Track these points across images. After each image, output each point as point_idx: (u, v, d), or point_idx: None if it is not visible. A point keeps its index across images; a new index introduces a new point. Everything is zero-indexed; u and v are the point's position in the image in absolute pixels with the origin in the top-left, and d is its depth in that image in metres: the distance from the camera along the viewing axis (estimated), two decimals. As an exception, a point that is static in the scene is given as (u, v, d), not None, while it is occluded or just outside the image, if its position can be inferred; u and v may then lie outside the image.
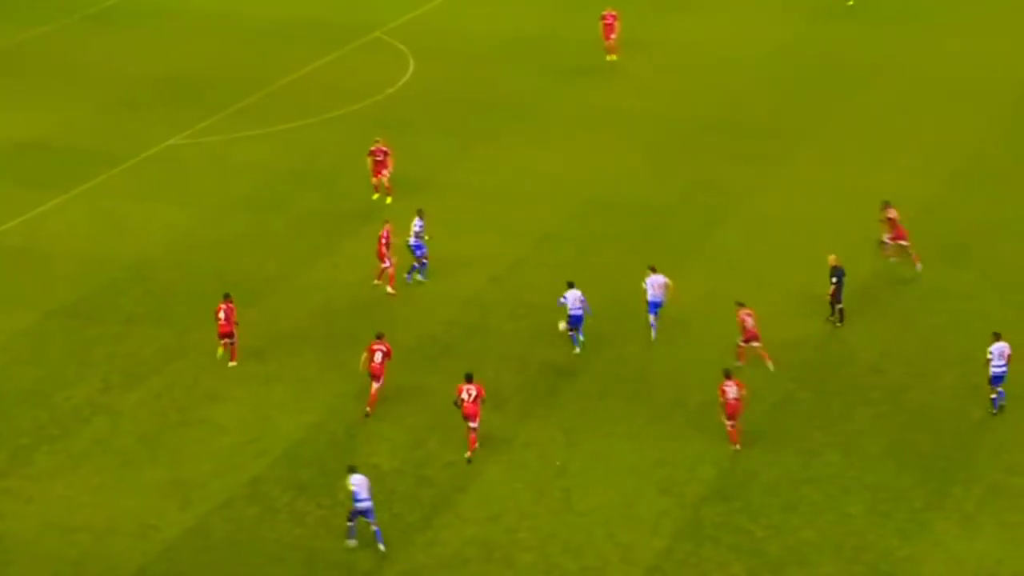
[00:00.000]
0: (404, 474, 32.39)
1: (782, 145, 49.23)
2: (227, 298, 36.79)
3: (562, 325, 37.12)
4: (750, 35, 59.60)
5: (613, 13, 55.89)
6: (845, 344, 37.10)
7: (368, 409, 34.50)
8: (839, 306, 37.85)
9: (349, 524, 30.25)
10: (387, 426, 34.10)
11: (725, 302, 37.89)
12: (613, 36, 55.77)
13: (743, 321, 35.79)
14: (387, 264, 39.70)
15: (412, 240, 40.08)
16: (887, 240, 40.54)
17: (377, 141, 45.32)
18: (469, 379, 33.11)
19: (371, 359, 34.38)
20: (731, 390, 32.90)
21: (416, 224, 40.17)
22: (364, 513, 30.06)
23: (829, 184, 46.12)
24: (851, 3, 63.00)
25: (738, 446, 32.97)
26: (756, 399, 34.62)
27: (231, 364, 36.66)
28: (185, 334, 38.02)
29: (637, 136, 50.17)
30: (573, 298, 36.90)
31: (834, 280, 37.46)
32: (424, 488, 31.92)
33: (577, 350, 37.12)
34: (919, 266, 40.40)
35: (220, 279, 40.41)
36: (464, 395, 32.85)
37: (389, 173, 44.87)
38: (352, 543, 30.13)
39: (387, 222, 40.28)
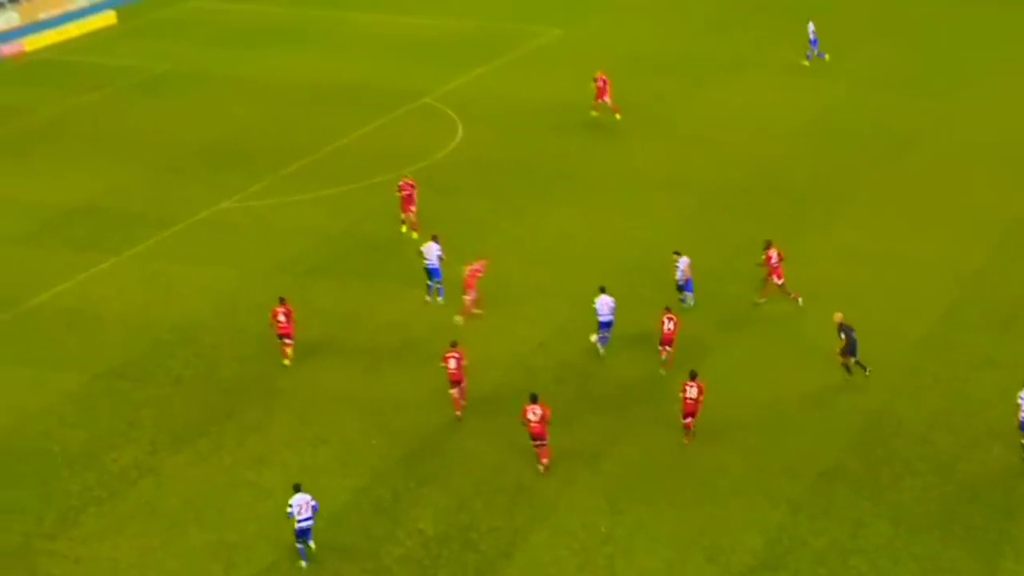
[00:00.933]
0: (449, 539, 32.33)
1: (824, 211, 49.18)
2: (283, 301, 39.87)
3: (593, 337, 39.07)
4: (790, 102, 59.77)
5: (604, 77, 57.05)
6: (894, 414, 36.86)
7: (457, 413, 36.82)
8: (855, 359, 37.99)
9: (299, 547, 31.57)
10: (432, 490, 34.09)
11: (771, 368, 37.80)
12: (605, 97, 56.87)
13: (662, 324, 38.60)
14: (473, 295, 41.69)
15: (431, 264, 42.52)
16: (767, 280, 42.02)
17: (404, 176, 47.40)
18: (534, 399, 34.79)
19: (447, 366, 36.78)
20: (691, 390, 35.22)
21: (435, 248, 42.56)
22: (304, 532, 31.64)
23: (872, 251, 46.00)
24: (805, 63, 64.05)
25: (687, 441, 35.40)
26: (805, 466, 34.44)
27: (286, 363, 39.43)
28: (231, 396, 38.22)
29: (679, 200, 50.29)
30: (602, 304, 39.02)
31: (842, 335, 37.95)
32: (469, 553, 31.85)
33: (601, 351, 39.08)
34: (800, 301, 41.83)
35: (265, 342, 40.65)
36: (530, 415, 34.55)
37: (416, 208, 46.82)
38: (304, 564, 31.54)
39: (483, 259, 42.50)
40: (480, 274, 41.88)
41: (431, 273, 42.67)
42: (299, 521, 31.50)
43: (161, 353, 40.51)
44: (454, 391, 36.95)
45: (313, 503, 31.66)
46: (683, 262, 42.12)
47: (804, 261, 44.44)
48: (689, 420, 35.35)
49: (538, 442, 34.57)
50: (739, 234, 47.36)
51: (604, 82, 56.94)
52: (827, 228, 47.78)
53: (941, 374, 38.66)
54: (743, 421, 36.23)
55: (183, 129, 57.79)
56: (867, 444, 35.52)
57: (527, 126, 57.44)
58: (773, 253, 42.21)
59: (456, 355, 36.98)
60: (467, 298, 41.62)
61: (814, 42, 63.94)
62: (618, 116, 57.00)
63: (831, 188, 51.09)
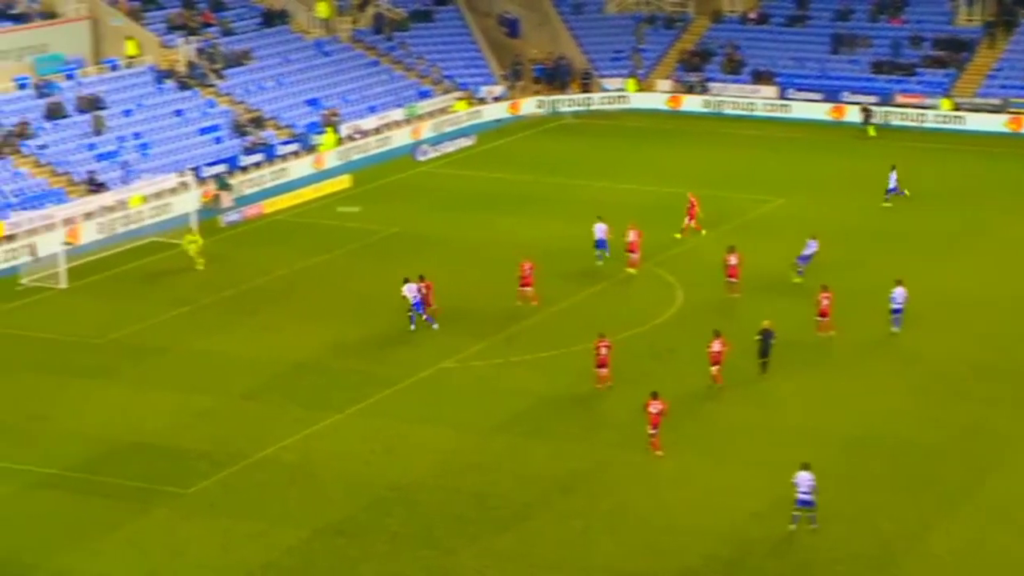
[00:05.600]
0: None
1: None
2: (422, 278, 53.68)
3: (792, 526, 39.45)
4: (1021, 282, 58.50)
5: (693, 199, 64.66)
6: None
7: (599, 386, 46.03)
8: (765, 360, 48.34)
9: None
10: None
11: (996, 554, 36.55)
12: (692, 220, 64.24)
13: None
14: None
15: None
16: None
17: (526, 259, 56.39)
18: (655, 396, 43.07)
19: (598, 352, 46.93)
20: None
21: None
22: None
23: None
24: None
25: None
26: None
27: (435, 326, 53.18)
28: (447, 556, 38.56)
29: (905, 373, 49.43)
30: (802, 480, 39.49)
31: (757, 338, 47.96)
32: None
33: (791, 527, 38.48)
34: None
35: (482, 502, 41.07)
36: (652, 409, 42.83)
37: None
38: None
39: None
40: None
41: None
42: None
43: (379, 511, 41.17)
44: (602, 371, 47.32)
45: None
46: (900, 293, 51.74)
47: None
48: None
49: (651, 430, 42.71)
50: (969, 414, 46.39)
51: (693, 204, 63.85)
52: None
53: None
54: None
55: (410, 290, 59.21)
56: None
57: (747, 291, 57.27)
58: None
59: (606, 344, 46.70)
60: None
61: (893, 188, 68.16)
62: (703, 232, 63.63)
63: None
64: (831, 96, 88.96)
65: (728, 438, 45.20)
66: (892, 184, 69.10)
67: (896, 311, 52.33)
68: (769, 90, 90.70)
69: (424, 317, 53.91)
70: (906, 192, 69.00)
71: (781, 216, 68.57)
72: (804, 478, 38.75)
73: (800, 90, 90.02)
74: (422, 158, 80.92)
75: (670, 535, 39.18)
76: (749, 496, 41.10)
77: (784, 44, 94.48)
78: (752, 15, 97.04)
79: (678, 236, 63.25)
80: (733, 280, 57.10)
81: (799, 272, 57.99)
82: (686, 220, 64.26)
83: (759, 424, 46.14)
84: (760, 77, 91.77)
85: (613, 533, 39.48)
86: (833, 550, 38.23)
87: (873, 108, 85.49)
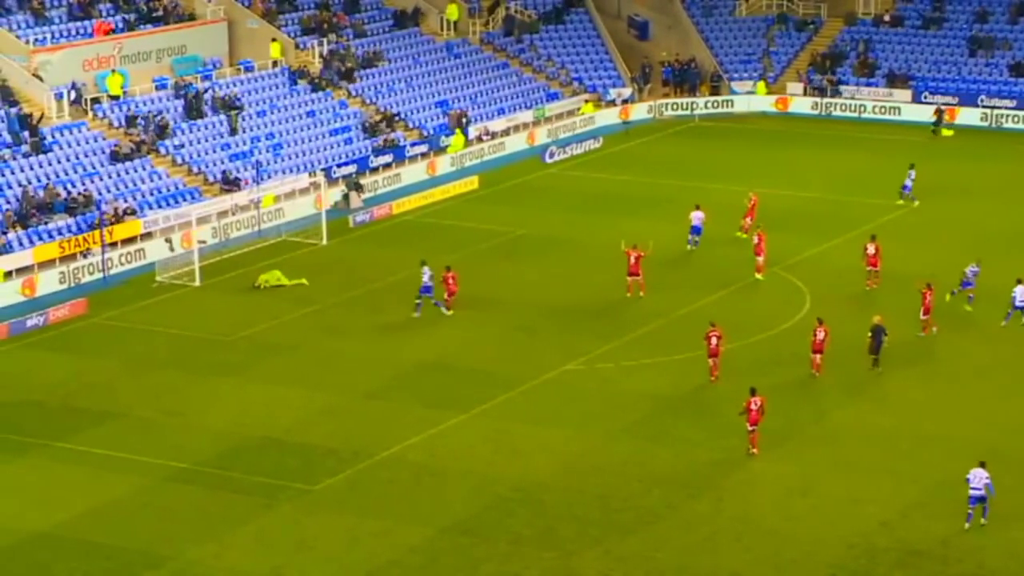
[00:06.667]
0: None
1: None
2: (448, 269, 55.42)
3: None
4: None
5: (755, 198, 65.08)
6: None
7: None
8: (876, 356, 48.43)
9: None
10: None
11: None
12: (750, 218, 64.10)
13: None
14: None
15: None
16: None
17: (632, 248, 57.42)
18: (753, 392, 43.08)
19: (708, 343, 48.21)
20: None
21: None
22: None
23: None
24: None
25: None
26: None
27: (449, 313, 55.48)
28: (568, 557, 38.63)
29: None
30: (975, 476, 39.07)
31: (870, 335, 48.20)
32: None
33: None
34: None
35: (606, 504, 41.04)
36: (752, 406, 42.77)
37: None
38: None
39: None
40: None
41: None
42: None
43: (502, 511, 41.35)
44: (712, 360, 48.16)
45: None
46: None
47: None
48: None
49: (751, 427, 42.85)
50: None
51: (754, 203, 64.38)
52: None
53: None
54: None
55: (536, 291, 59.40)
56: None
57: (876, 300, 56.53)
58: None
59: (717, 333, 47.97)
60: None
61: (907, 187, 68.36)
62: (741, 235, 63.34)
63: None
64: (967, 100, 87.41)
65: (854, 445, 44.70)
66: (908, 183, 69.23)
67: (1020, 308, 52.87)
68: (903, 93, 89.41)
69: (434, 302, 55.70)
70: (916, 201, 68.72)
71: (914, 221, 67.55)
72: (978, 475, 38.66)
73: (935, 93, 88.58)
74: (550, 160, 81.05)
75: (796, 544, 38.82)
76: (876, 505, 40.60)
77: (918, 46, 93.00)
78: (887, 17, 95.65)
79: (742, 235, 62.86)
80: (873, 269, 56.81)
81: (968, 299, 55.39)
82: (746, 220, 63.88)
83: (887, 431, 45.54)
84: (895, 80, 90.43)
85: (739, 540, 39.23)
86: (963, 562, 37.63)
87: (943, 108, 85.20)
